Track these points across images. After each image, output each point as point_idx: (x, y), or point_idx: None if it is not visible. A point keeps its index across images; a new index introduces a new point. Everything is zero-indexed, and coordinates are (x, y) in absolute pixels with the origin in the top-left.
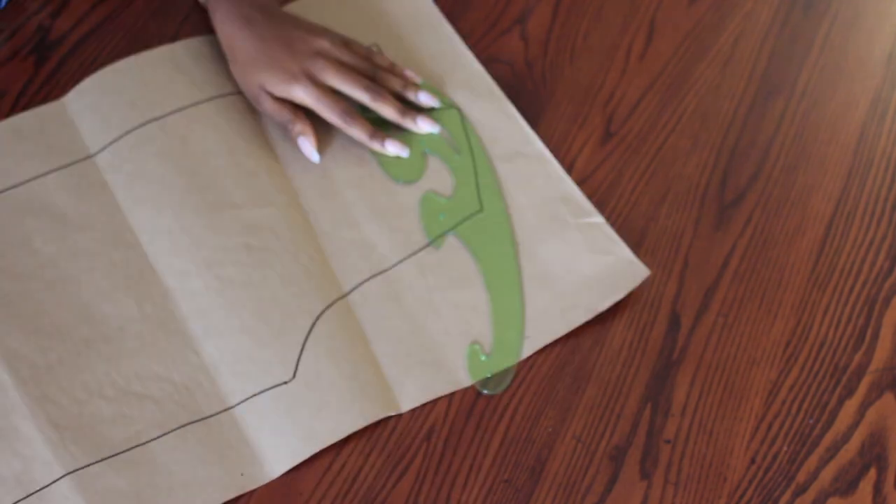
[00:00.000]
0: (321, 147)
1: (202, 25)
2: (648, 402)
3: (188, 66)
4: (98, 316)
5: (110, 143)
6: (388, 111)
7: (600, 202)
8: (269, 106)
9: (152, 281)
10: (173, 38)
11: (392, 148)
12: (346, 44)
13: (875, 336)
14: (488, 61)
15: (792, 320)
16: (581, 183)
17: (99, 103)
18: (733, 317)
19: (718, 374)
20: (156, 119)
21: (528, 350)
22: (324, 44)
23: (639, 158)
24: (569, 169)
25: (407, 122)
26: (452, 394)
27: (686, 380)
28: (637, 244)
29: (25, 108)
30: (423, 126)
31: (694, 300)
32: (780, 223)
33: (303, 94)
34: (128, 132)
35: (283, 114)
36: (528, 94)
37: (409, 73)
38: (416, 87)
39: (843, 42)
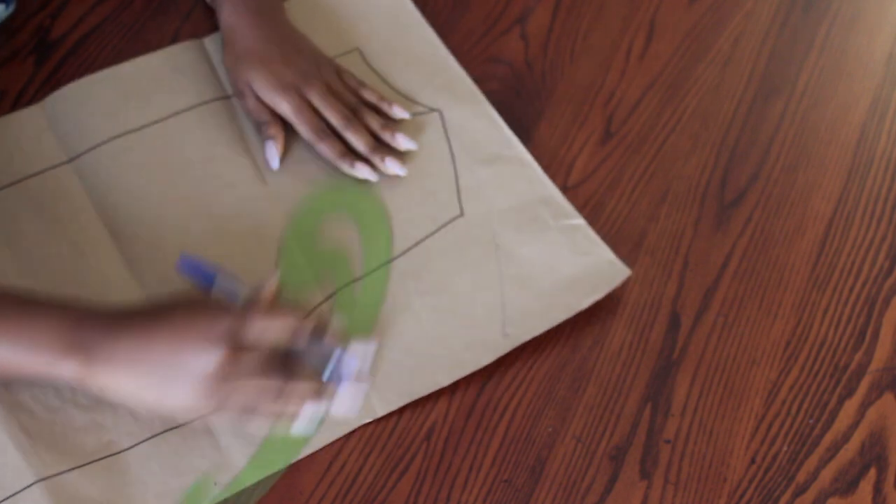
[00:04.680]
0: (299, 155)
1: (202, 25)
2: (648, 402)
3: (168, 75)
4: None
5: (87, 151)
6: (358, 142)
7: (600, 202)
8: (250, 104)
9: (127, 288)
10: (173, 39)
11: (361, 171)
12: (340, 73)
13: (875, 336)
14: (488, 61)
15: (792, 320)
16: (581, 183)
17: (77, 112)
18: (733, 317)
19: (718, 374)
20: (134, 130)
21: (507, 347)
22: (318, 67)
23: (639, 158)
24: (569, 169)
25: (375, 159)
26: (452, 393)
27: (686, 380)
28: (637, 244)
29: (25, 108)
30: (391, 167)
31: (694, 300)
32: (780, 223)
33: (285, 106)
34: (105, 142)
35: (262, 115)
36: (528, 93)
37: (397, 109)
38: (393, 129)
39: (843, 42)
